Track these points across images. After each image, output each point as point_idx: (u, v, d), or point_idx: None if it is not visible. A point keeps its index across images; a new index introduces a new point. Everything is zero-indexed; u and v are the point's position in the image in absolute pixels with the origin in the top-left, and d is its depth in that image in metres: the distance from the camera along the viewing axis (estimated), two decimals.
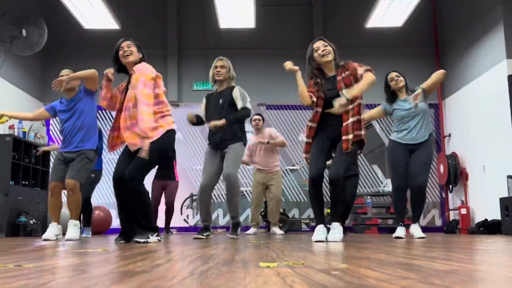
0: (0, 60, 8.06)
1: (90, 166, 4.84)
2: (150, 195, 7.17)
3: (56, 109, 4.95)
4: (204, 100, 5.22)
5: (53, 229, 4.74)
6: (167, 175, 7.16)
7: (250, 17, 8.58)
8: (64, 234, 5.00)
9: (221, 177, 5.01)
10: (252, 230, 7.15)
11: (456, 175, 8.96)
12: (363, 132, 3.85)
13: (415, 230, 4.78)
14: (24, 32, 7.81)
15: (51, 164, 8.77)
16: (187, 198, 9.49)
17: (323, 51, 3.93)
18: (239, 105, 4.90)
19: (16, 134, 7.60)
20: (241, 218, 9.55)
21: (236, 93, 4.96)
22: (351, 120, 3.81)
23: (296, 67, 3.98)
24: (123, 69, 4.07)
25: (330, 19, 10.04)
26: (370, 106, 6.63)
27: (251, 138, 7.01)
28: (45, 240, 4.60)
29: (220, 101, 4.96)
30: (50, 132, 9.70)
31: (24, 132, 7.86)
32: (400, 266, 1.49)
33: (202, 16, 10.01)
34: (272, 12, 10.06)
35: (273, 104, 9.86)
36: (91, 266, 1.53)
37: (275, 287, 1.00)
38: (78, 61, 9.87)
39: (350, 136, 3.78)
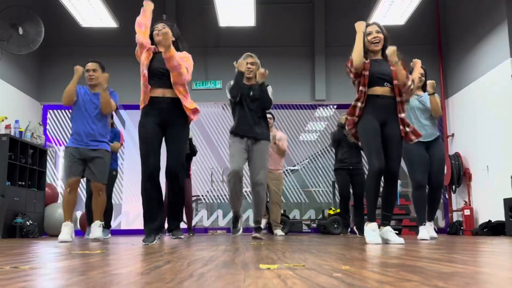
0: None
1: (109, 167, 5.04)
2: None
3: (80, 92, 4.91)
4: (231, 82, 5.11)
5: (68, 229, 4.65)
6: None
7: (250, 15, 8.57)
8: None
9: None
10: (279, 232, 7.20)
11: (459, 176, 8.96)
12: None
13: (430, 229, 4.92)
14: (20, 30, 7.81)
15: (47, 165, 8.78)
16: None
17: (374, 38, 3.88)
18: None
19: (12, 134, 7.60)
20: (243, 219, 9.56)
21: (270, 91, 5.09)
22: (403, 114, 3.80)
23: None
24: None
25: (332, 17, 10.03)
26: None
27: None
28: (62, 242, 4.49)
29: (251, 93, 4.99)
30: (47, 132, 9.70)
31: (20, 132, 7.85)
32: (402, 268, 1.49)
33: (201, 14, 10.00)
34: (273, 10, 10.05)
35: (275, 103, 9.85)
36: (89, 268, 1.53)
37: None
38: (75, 59, 9.85)
39: (408, 129, 3.80)
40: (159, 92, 3.96)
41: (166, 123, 3.97)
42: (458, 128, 9.40)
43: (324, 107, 10.03)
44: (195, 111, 4.03)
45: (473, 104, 8.69)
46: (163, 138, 4.02)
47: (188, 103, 4.00)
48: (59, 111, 9.89)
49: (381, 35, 3.89)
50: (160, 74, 3.98)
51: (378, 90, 3.79)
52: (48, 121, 9.85)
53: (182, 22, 10.08)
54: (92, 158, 4.86)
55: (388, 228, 3.71)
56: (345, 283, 1.10)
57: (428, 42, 9.96)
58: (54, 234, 7.60)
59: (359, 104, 3.78)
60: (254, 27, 9.46)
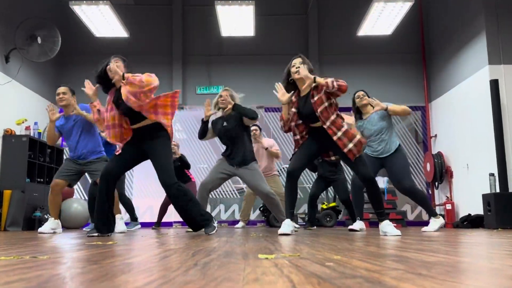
0: (17, 66, 8.06)
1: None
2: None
3: (58, 125, 4.88)
4: (210, 127, 5.10)
5: (49, 224, 4.72)
6: (181, 179, 7.29)
7: (249, 26, 8.58)
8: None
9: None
10: (240, 224, 7.16)
11: (441, 173, 8.97)
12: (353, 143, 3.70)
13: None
14: (39, 40, 7.80)
15: None
16: None
17: (297, 68, 3.83)
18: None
19: (32, 134, 7.60)
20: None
21: (238, 97, 4.98)
22: (339, 133, 3.67)
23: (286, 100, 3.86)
24: (108, 85, 3.84)
25: (324, 28, 10.04)
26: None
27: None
28: (40, 233, 4.53)
29: (224, 123, 4.93)
30: None
31: (39, 133, 7.86)
32: (389, 257, 1.49)
33: (205, 25, 10.01)
34: (270, 21, 10.06)
35: (271, 106, 9.86)
36: (102, 258, 1.53)
37: (273, 278, 1.00)
38: (89, 67, 9.84)
39: (350, 146, 3.64)
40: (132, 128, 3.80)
41: (144, 148, 3.80)
42: (440, 130, 9.40)
43: None
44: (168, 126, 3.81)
45: (454, 107, 8.69)
46: (137, 161, 3.88)
47: (162, 120, 3.74)
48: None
49: (302, 66, 3.81)
50: (128, 112, 3.70)
51: (314, 125, 3.83)
52: None
53: (188, 32, 10.08)
54: (90, 163, 4.81)
55: (386, 222, 3.69)
56: (337, 272, 1.10)
57: (413, 51, 9.96)
58: (70, 227, 7.60)
59: (297, 137, 3.96)
60: (254, 37, 9.47)
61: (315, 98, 3.73)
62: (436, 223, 4.70)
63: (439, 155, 9.08)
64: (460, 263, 1.31)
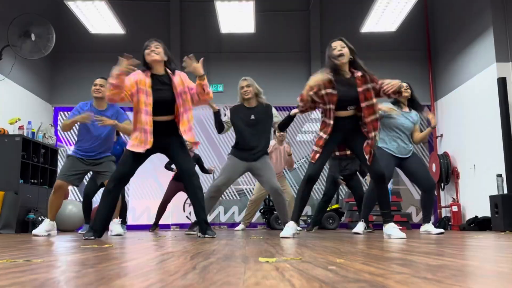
0: (10, 63, 8.06)
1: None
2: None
3: (84, 110, 4.79)
4: (228, 113, 4.93)
5: (44, 225, 4.69)
6: None
7: (250, 22, 8.58)
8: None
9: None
10: (240, 227, 7.17)
11: (447, 174, 8.97)
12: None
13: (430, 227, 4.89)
14: (33, 37, 7.80)
15: (59, 164, 8.78)
16: None
17: (339, 51, 3.66)
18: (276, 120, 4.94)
19: (25, 134, 7.59)
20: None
21: (274, 112, 4.99)
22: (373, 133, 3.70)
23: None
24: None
25: (327, 24, 10.04)
26: None
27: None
28: (34, 236, 4.52)
29: (252, 116, 4.84)
30: (58, 133, 9.70)
31: (33, 133, 7.85)
32: (394, 261, 1.49)
33: (204, 21, 10.01)
34: (271, 18, 10.06)
35: (272, 105, 9.84)
36: (98, 261, 1.53)
37: (274, 282, 1.00)
38: (84, 64, 9.88)
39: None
40: (158, 119, 3.71)
41: (162, 144, 3.78)
42: (446, 129, 9.40)
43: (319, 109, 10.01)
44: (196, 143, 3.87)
45: (460, 106, 8.69)
46: (162, 154, 3.95)
47: (189, 136, 3.77)
48: (69, 112, 9.87)
49: (345, 49, 3.67)
50: (162, 102, 3.69)
51: (342, 113, 3.72)
52: (59, 122, 9.85)
53: (186, 29, 10.09)
54: (98, 163, 4.83)
55: (391, 224, 3.70)
56: (339, 275, 1.10)
57: (418, 47, 9.96)
58: (65, 229, 7.61)
59: (324, 136, 3.73)
60: (254, 33, 9.47)
61: (363, 88, 3.64)
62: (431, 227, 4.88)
63: (445, 155, 9.08)
64: (467, 266, 1.31)
